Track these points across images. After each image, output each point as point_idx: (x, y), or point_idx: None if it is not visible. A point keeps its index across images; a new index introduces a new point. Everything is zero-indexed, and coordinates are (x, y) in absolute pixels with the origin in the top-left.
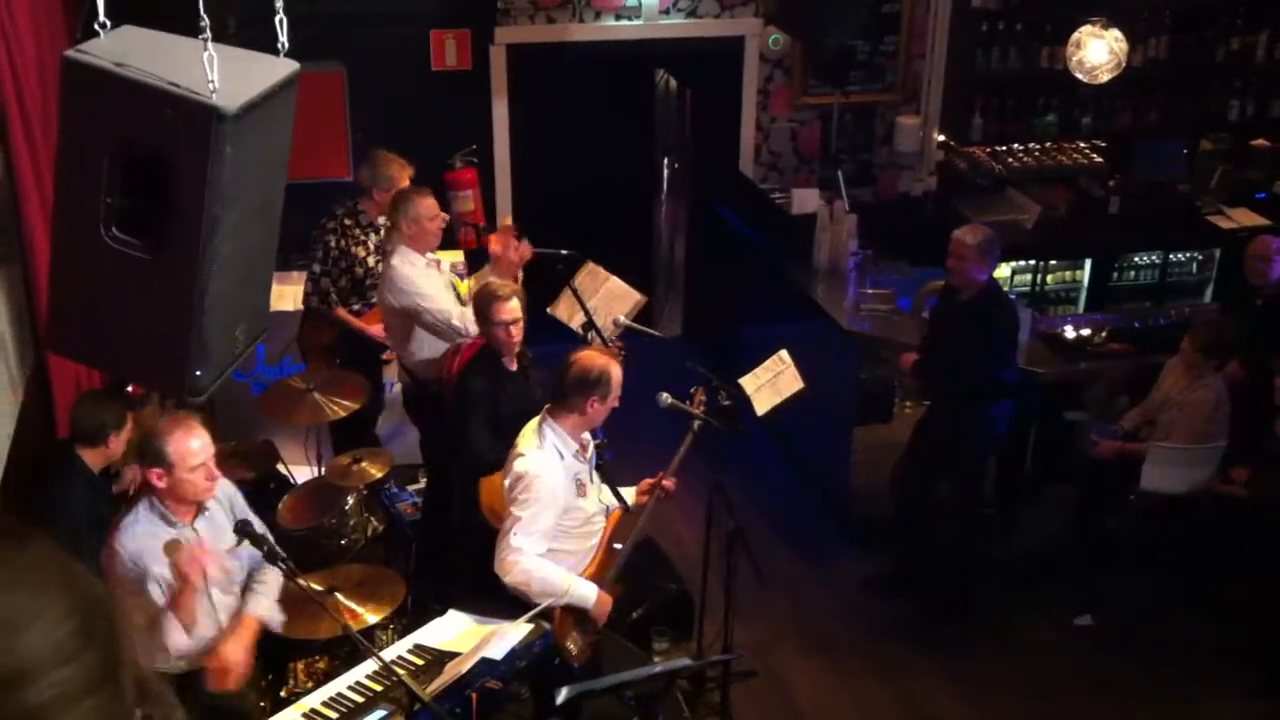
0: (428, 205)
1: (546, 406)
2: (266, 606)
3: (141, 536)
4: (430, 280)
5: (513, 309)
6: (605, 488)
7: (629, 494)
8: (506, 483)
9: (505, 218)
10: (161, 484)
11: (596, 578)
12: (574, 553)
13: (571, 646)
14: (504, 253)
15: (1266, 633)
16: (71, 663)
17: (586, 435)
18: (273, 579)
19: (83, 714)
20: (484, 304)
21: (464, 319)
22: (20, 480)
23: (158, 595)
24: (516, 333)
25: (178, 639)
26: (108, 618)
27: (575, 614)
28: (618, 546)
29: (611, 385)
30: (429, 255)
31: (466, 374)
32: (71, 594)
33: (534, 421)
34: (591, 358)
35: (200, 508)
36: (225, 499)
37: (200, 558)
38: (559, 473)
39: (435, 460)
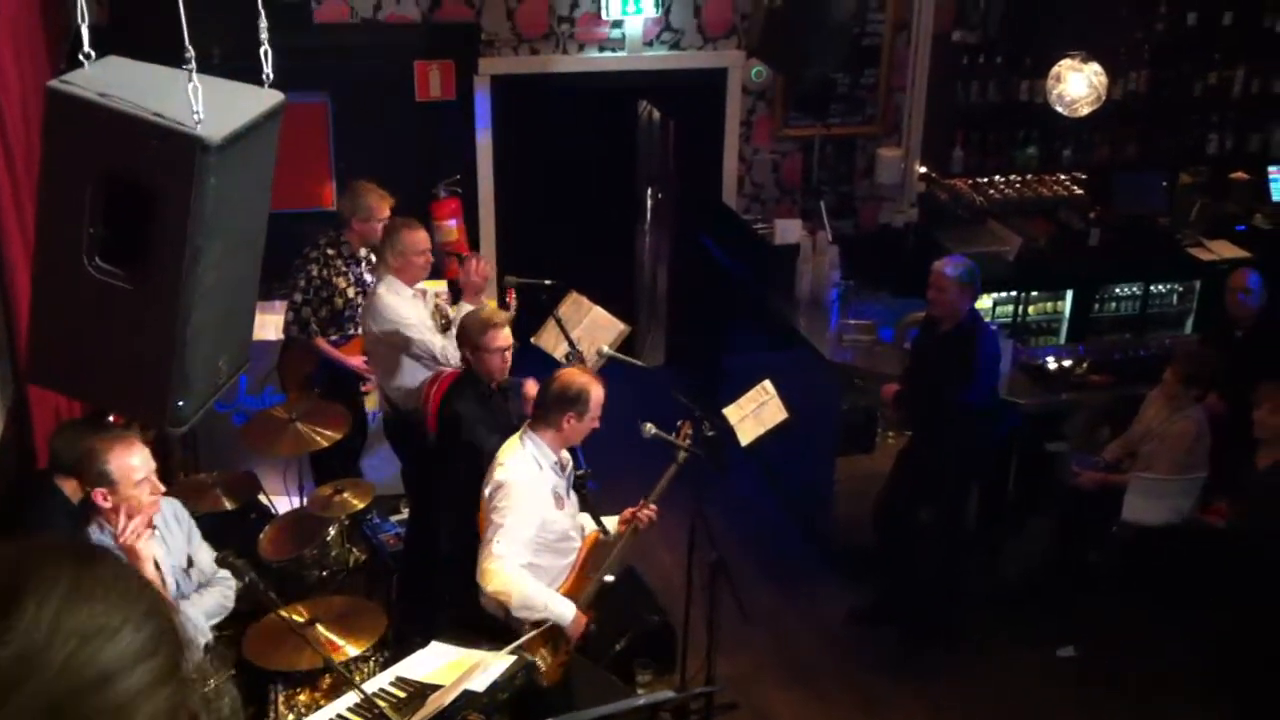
0: (415, 240)
1: (527, 421)
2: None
3: None
4: (414, 309)
5: (507, 336)
6: (585, 514)
7: (611, 523)
8: (487, 493)
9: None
10: (107, 504)
11: (570, 599)
12: (548, 569)
13: (541, 664)
14: (465, 277)
15: (1247, 662)
16: (150, 659)
17: (565, 454)
18: (207, 598)
19: (161, 702)
20: (477, 331)
21: (445, 351)
22: None
23: None
24: (509, 358)
25: None
26: (168, 615)
27: (547, 631)
28: (593, 575)
29: (590, 404)
30: (415, 286)
31: (451, 398)
32: (143, 599)
33: (515, 435)
34: (573, 375)
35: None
36: (171, 515)
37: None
38: (537, 481)
39: (417, 490)
